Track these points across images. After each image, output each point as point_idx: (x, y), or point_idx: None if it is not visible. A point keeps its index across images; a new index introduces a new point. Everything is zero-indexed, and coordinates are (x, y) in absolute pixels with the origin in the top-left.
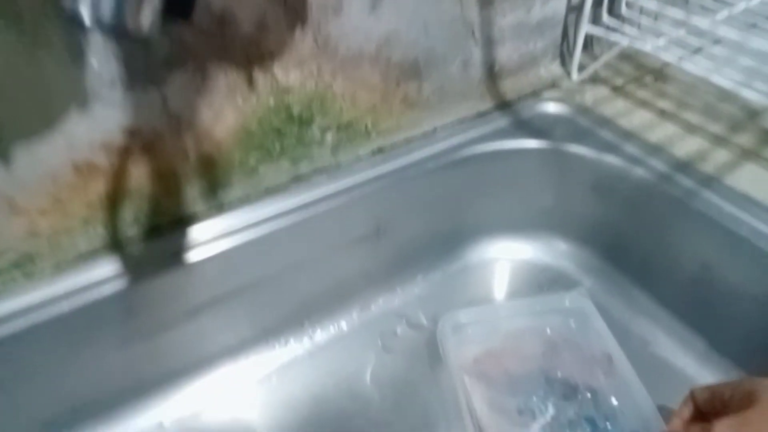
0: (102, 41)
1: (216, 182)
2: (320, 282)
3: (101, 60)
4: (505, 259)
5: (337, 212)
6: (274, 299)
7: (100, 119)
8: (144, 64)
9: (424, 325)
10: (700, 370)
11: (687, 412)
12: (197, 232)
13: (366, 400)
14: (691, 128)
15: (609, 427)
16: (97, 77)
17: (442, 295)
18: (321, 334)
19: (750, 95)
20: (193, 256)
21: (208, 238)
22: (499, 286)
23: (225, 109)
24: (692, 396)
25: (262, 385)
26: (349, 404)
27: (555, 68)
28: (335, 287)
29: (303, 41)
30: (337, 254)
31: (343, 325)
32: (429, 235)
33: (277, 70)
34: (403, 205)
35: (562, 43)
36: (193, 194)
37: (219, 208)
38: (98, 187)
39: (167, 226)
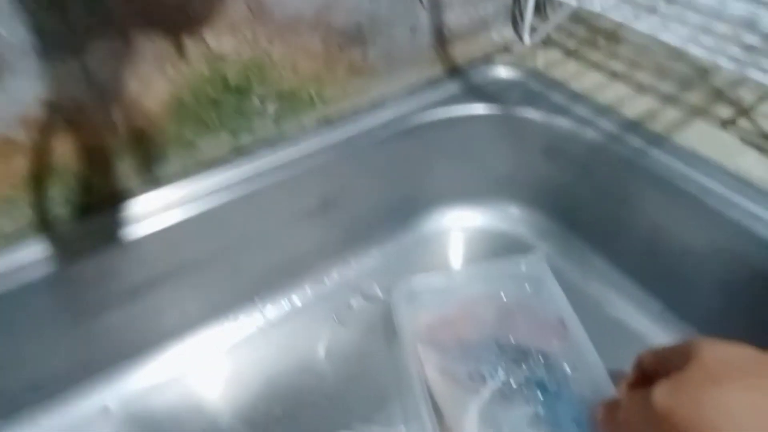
0: (8, 7)
1: (150, 156)
2: (269, 257)
3: (9, 27)
4: (459, 227)
5: (282, 185)
6: (221, 276)
7: (13, 91)
8: (60, 32)
9: (379, 297)
10: (655, 332)
11: (632, 375)
12: (132, 208)
13: (320, 374)
14: (641, 88)
15: (560, 391)
16: (7, 46)
17: (397, 266)
18: (273, 310)
19: (698, 52)
20: (129, 233)
21: (145, 213)
22: (455, 255)
23: (154, 78)
24: (639, 360)
25: (212, 364)
26: (303, 379)
27: (507, 32)
28: (286, 262)
29: (234, 5)
30: (286, 228)
31: (296, 299)
32: (381, 206)
33: (208, 36)
34: (353, 176)
35: (513, 6)
36: (125, 169)
37: (155, 182)
38: (20, 165)
39: (100, 204)
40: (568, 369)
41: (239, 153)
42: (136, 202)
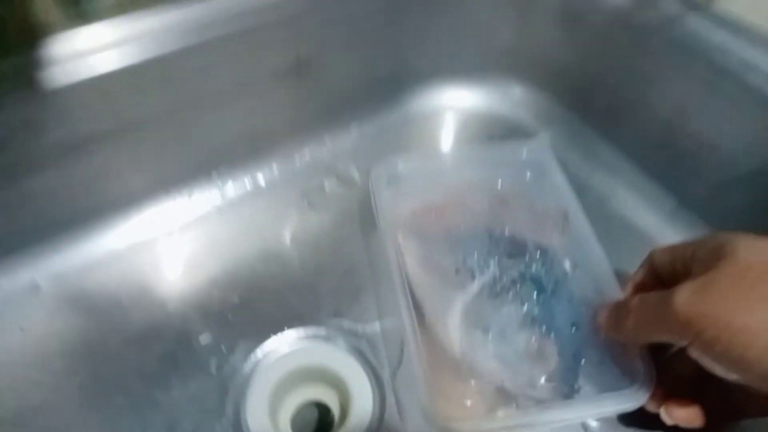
0: None
1: None
2: (229, 126)
3: None
4: (452, 107)
5: (245, 36)
6: (170, 144)
7: None
8: None
9: (356, 181)
10: (665, 230)
11: (641, 275)
12: (54, 48)
13: (285, 262)
14: None
15: (557, 290)
16: None
17: (378, 147)
18: (233, 188)
19: None
20: (49, 78)
21: (70, 55)
22: (446, 139)
23: None
24: (651, 258)
25: (159, 243)
26: (265, 267)
27: None
28: (249, 133)
29: None
30: (249, 91)
31: (260, 178)
32: (364, 76)
33: None
34: (332, 36)
35: None
36: (48, 3)
37: (83, 17)
38: None
39: (13, 42)
40: (568, 266)
41: None
42: (58, 41)
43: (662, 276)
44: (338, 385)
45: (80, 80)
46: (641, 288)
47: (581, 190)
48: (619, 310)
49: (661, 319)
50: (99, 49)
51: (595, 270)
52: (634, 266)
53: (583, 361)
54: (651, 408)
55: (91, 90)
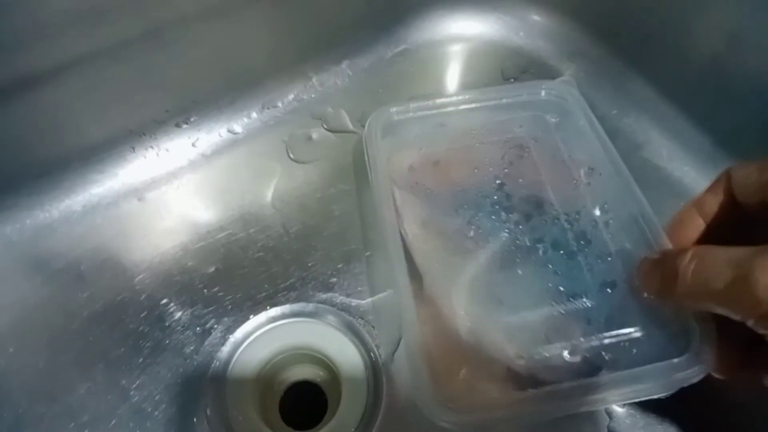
0: None
1: None
2: (197, 63)
3: None
4: (459, 39)
5: None
6: (129, 84)
7: None
8: None
9: (348, 128)
10: (706, 183)
11: (714, 203)
12: None
13: (266, 225)
14: None
15: (584, 247)
16: None
17: (373, 88)
18: (206, 139)
19: None
20: None
21: None
22: (451, 78)
23: None
24: (728, 179)
25: (123, 204)
26: (244, 231)
27: None
28: (223, 72)
29: None
30: (222, 19)
31: (237, 127)
32: (357, 3)
33: None
34: None
35: None
36: None
37: None
38: None
39: None
40: (598, 217)
41: None
42: None
43: (746, 206)
44: (329, 367)
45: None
46: (708, 220)
47: (611, 135)
48: (667, 267)
49: (732, 297)
50: None
51: (634, 218)
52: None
53: (619, 328)
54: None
55: (22, 13)
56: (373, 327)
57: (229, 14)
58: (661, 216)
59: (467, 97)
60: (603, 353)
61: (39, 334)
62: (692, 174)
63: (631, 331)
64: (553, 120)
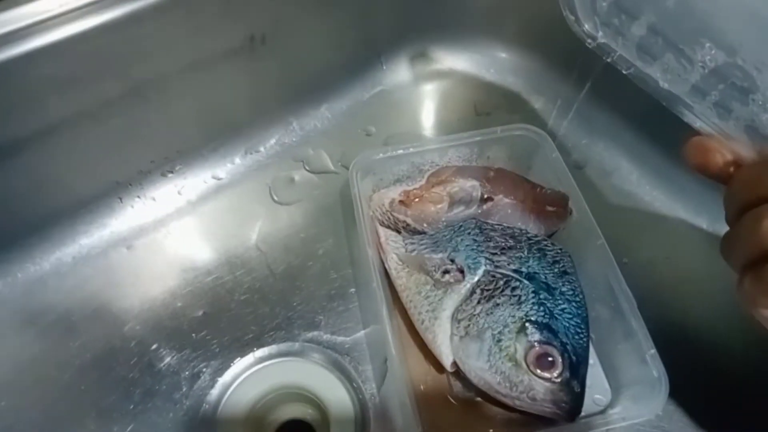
0: None
1: None
2: (179, 115)
3: None
4: (433, 78)
5: (183, 7)
6: (115, 139)
7: None
8: None
9: (329, 169)
10: (675, 206)
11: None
12: None
13: (251, 267)
14: None
15: (557, 285)
16: None
17: (353, 129)
18: (191, 186)
19: None
20: None
21: None
22: (427, 115)
23: None
24: None
25: (112, 253)
26: (230, 273)
27: None
28: (204, 122)
29: None
30: (200, 74)
31: (221, 173)
32: (331, 49)
33: None
34: (286, 3)
35: None
36: None
37: None
38: None
39: None
40: (569, 258)
41: None
42: None
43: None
44: (318, 405)
45: None
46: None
47: (581, 164)
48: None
49: None
50: (6, 33)
51: (597, 262)
52: (641, 247)
53: (590, 362)
54: None
55: (4, 82)
56: (359, 363)
57: (207, 68)
58: (633, 240)
59: (444, 137)
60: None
61: (32, 386)
62: (662, 198)
63: (603, 365)
64: (522, 158)
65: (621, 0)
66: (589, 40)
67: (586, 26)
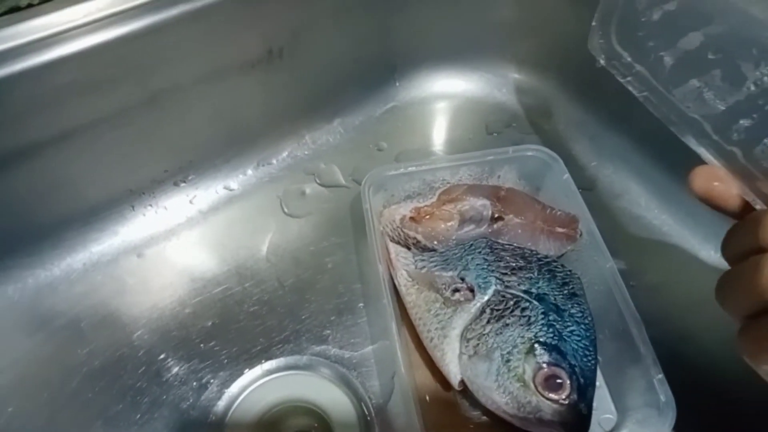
0: None
1: None
2: (194, 125)
3: None
4: (446, 96)
5: (203, 19)
6: (129, 147)
7: None
8: None
9: (340, 183)
10: (683, 231)
11: None
12: None
13: (261, 278)
14: None
15: (566, 307)
16: None
17: (365, 144)
18: (203, 196)
19: None
20: None
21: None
22: (438, 133)
23: None
24: None
25: (124, 261)
26: (239, 284)
27: None
28: (219, 134)
29: None
30: (217, 85)
31: (233, 184)
32: (346, 66)
33: None
34: (306, 19)
35: None
36: None
37: (13, 9)
38: None
39: None
40: (578, 281)
41: None
42: None
43: None
44: (324, 419)
45: (9, 76)
46: None
47: (590, 185)
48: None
49: None
50: (30, 42)
51: (606, 284)
52: (648, 271)
53: (597, 385)
54: None
55: (25, 88)
56: (366, 379)
57: (223, 80)
58: (642, 263)
59: (455, 155)
60: (586, 408)
61: (39, 392)
62: (670, 222)
63: (611, 387)
64: (533, 178)
65: (684, 10)
66: (604, 57)
67: (615, 41)
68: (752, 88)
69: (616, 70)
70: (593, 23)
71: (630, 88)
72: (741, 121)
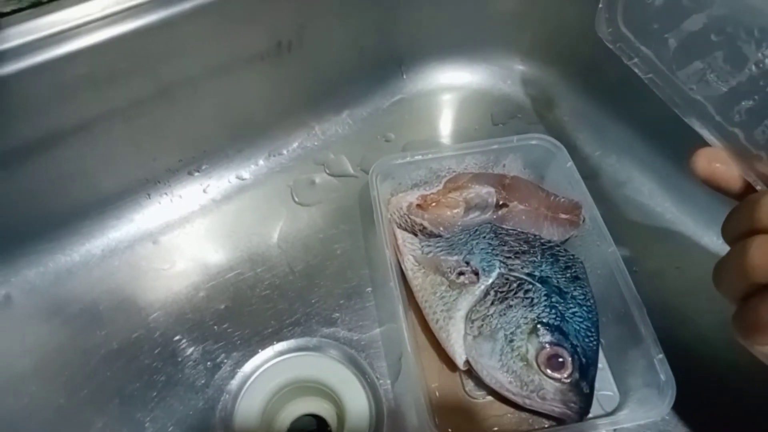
0: None
1: None
2: (206, 117)
3: None
4: (452, 88)
5: (215, 12)
6: (143, 137)
7: None
8: None
9: (348, 173)
10: (684, 218)
11: None
12: (4, 37)
13: (272, 264)
14: None
15: (568, 289)
16: None
17: (373, 135)
18: (216, 186)
19: None
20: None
21: (20, 44)
22: (445, 124)
23: None
24: None
25: (138, 247)
26: (251, 270)
27: None
28: (231, 124)
29: None
30: (228, 77)
31: (245, 174)
32: (353, 58)
33: None
34: (315, 12)
35: None
36: None
37: (35, 4)
38: None
39: None
40: (580, 264)
41: None
42: (2, 26)
43: None
44: (333, 399)
45: (30, 67)
46: None
47: (594, 174)
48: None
49: None
50: (50, 34)
51: (609, 268)
52: (651, 257)
53: (599, 366)
54: None
55: (45, 79)
56: (374, 360)
57: (234, 72)
58: (645, 249)
59: (461, 144)
60: (587, 388)
61: (59, 372)
62: (673, 209)
63: (612, 368)
64: (537, 166)
65: None
66: (610, 39)
67: (621, 23)
68: (753, 69)
69: (622, 52)
70: (600, 5)
71: (636, 70)
72: (743, 102)
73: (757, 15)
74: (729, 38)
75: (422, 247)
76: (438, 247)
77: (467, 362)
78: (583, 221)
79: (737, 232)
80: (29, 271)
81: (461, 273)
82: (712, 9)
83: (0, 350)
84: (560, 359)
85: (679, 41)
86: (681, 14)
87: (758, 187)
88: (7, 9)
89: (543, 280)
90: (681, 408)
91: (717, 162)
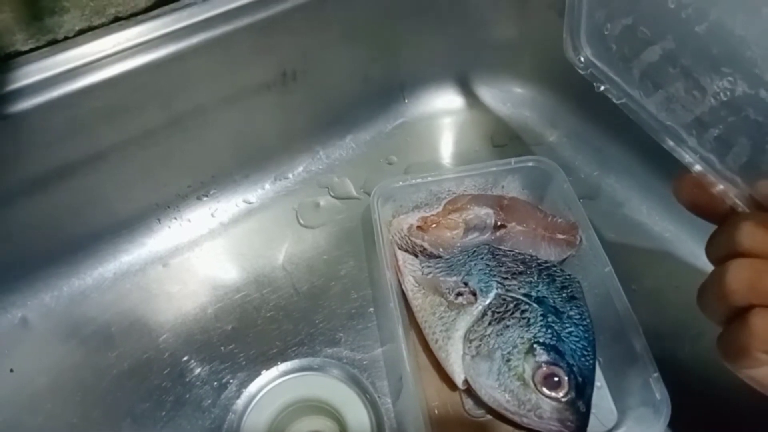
0: None
1: (41, 8)
2: (215, 144)
3: None
4: (452, 111)
5: (221, 47)
6: (155, 165)
7: None
8: None
9: (352, 195)
10: (683, 237)
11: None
12: (18, 71)
13: (277, 285)
14: None
15: (564, 309)
16: None
17: (376, 158)
18: (224, 210)
19: None
20: (14, 103)
21: (35, 77)
22: (446, 146)
23: None
24: None
25: (149, 271)
26: (257, 291)
27: None
28: (238, 150)
29: None
30: (235, 106)
31: (252, 198)
32: (356, 84)
33: None
34: (318, 42)
35: None
36: (10, 26)
37: (51, 42)
38: None
39: None
40: (576, 284)
41: (162, 5)
42: (22, 64)
43: None
44: (336, 418)
45: (48, 102)
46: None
47: (593, 194)
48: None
49: None
50: (66, 70)
51: (605, 288)
52: (649, 276)
53: (597, 385)
54: None
55: (62, 113)
56: (376, 379)
57: (242, 101)
58: (643, 269)
59: (461, 167)
60: (584, 407)
61: (73, 392)
62: (671, 228)
63: (608, 387)
64: (535, 188)
65: (639, 25)
66: (581, 66)
67: (588, 52)
68: (713, 101)
69: (593, 78)
70: (564, 35)
71: (609, 96)
72: (711, 130)
73: (708, 48)
74: (685, 71)
75: (422, 267)
76: (437, 268)
77: (466, 381)
78: (580, 241)
79: (719, 255)
80: (45, 295)
81: (459, 294)
82: (665, 42)
83: (18, 369)
84: (556, 378)
85: (641, 71)
86: (638, 45)
87: (739, 209)
88: (26, 47)
89: (539, 300)
90: (677, 426)
91: (698, 189)
